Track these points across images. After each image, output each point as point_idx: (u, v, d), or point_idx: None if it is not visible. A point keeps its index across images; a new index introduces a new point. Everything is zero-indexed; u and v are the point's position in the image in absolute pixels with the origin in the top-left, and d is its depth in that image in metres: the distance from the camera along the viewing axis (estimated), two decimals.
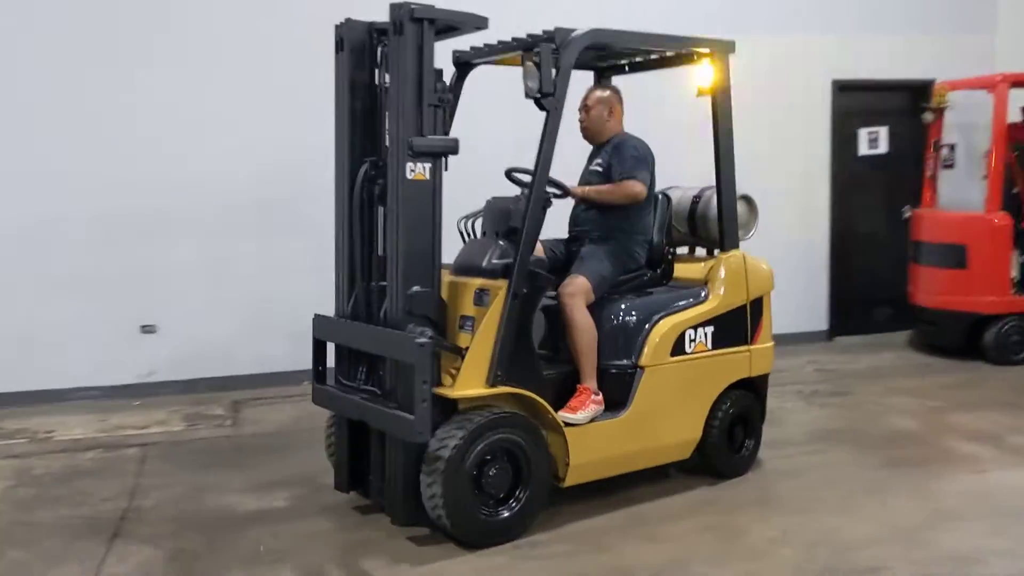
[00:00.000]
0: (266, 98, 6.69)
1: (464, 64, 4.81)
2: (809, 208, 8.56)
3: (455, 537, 3.96)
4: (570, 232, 4.85)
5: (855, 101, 8.62)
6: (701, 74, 4.89)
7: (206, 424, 6.00)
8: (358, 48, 4.24)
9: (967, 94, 7.99)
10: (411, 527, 4.08)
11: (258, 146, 6.72)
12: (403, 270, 3.98)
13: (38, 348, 6.46)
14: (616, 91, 4.90)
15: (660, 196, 4.92)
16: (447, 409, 3.98)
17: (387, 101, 4.13)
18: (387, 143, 4.15)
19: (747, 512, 4.44)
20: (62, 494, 4.71)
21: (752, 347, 4.92)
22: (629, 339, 4.51)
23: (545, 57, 3.99)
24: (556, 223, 4.76)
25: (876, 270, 8.72)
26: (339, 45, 4.29)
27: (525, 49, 4.18)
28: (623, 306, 4.59)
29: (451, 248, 4.47)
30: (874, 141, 8.69)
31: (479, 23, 4.18)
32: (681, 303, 4.70)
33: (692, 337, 4.63)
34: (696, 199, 5.05)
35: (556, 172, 4.57)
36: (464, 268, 4.36)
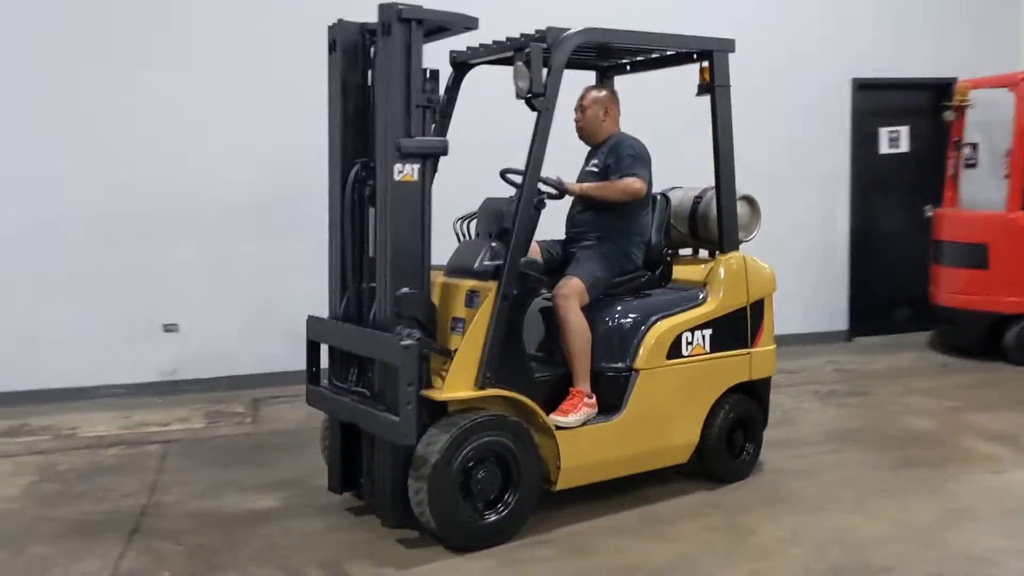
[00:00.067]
0: (267, 98, 6.74)
1: (461, 64, 4.80)
2: (829, 208, 8.54)
3: (442, 540, 3.95)
4: (567, 233, 4.82)
5: (875, 100, 8.59)
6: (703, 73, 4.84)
7: (226, 422, 6.08)
8: (350, 49, 4.23)
9: (989, 92, 7.94)
10: (402, 529, 4.07)
11: (259, 145, 6.79)
12: (391, 271, 3.97)
13: (62, 347, 6.57)
14: (612, 91, 4.88)
15: (659, 197, 4.89)
16: (437, 411, 3.96)
17: (375, 102, 4.11)
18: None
19: (758, 512, 4.44)
20: (84, 490, 4.80)
21: (753, 350, 4.85)
22: (624, 341, 4.47)
23: (535, 57, 3.95)
24: (554, 224, 4.77)
25: (897, 270, 8.67)
26: (332, 46, 4.29)
27: (516, 49, 4.14)
28: (618, 308, 4.54)
29: (450, 249, 4.51)
30: (895, 140, 8.66)
31: (469, 23, 4.16)
32: (678, 305, 4.65)
33: (689, 340, 4.58)
34: (697, 199, 5.00)
35: (564, 174, 4.62)
36: (456, 270, 4.34)
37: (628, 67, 5.23)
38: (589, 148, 4.88)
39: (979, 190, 8.25)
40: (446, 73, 4.73)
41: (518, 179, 4.27)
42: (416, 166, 3.96)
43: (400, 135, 3.93)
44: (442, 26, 4.14)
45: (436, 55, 4.57)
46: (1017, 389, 6.77)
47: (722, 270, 4.78)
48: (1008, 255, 7.46)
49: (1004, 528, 4.21)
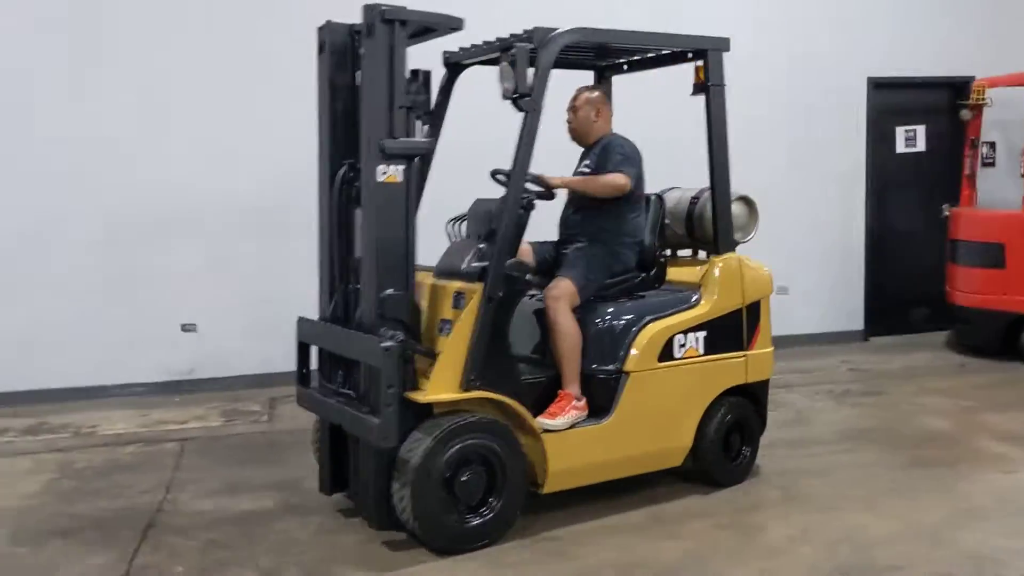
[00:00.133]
0: (283, 98, 6.74)
1: (454, 65, 4.78)
2: (845, 207, 8.52)
3: (426, 543, 3.93)
4: (559, 235, 4.79)
5: (892, 99, 8.56)
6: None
7: (243, 420, 6.15)
8: (339, 50, 4.21)
9: (1006, 91, 7.90)
10: (390, 531, 4.04)
11: (279, 146, 6.81)
12: (375, 273, 3.95)
13: (82, 347, 6.66)
14: (604, 92, 4.86)
15: (652, 197, 4.85)
16: (423, 414, 3.93)
17: (360, 103, 4.10)
18: None
19: (768, 510, 4.46)
20: (102, 487, 4.87)
21: (749, 353, 4.77)
22: (614, 344, 4.40)
23: (520, 57, 3.93)
24: (551, 225, 4.80)
25: (913, 270, 8.64)
26: (321, 47, 4.27)
27: (502, 50, 4.11)
28: (609, 310, 4.48)
29: (443, 250, 4.51)
30: (911, 139, 8.63)
31: (454, 24, 4.13)
32: (671, 307, 4.59)
33: (682, 342, 4.52)
34: (694, 200, 4.94)
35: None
36: (445, 271, 4.31)
37: (625, 67, 5.20)
38: (582, 150, 4.84)
39: (996, 189, 8.22)
40: (442, 74, 4.75)
41: (529, 185, 4.26)
42: (400, 167, 3.94)
43: (383, 136, 3.91)
44: (428, 27, 4.11)
45: (432, 55, 4.61)
46: None
47: (716, 271, 4.72)
48: None
49: (1014, 528, 4.20)
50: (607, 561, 3.89)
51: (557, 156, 4.71)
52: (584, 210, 4.65)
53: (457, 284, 4.11)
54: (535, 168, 4.22)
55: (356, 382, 4.12)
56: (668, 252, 5.07)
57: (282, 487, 4.79)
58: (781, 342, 7.98)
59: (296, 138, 5.75)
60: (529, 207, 4.22)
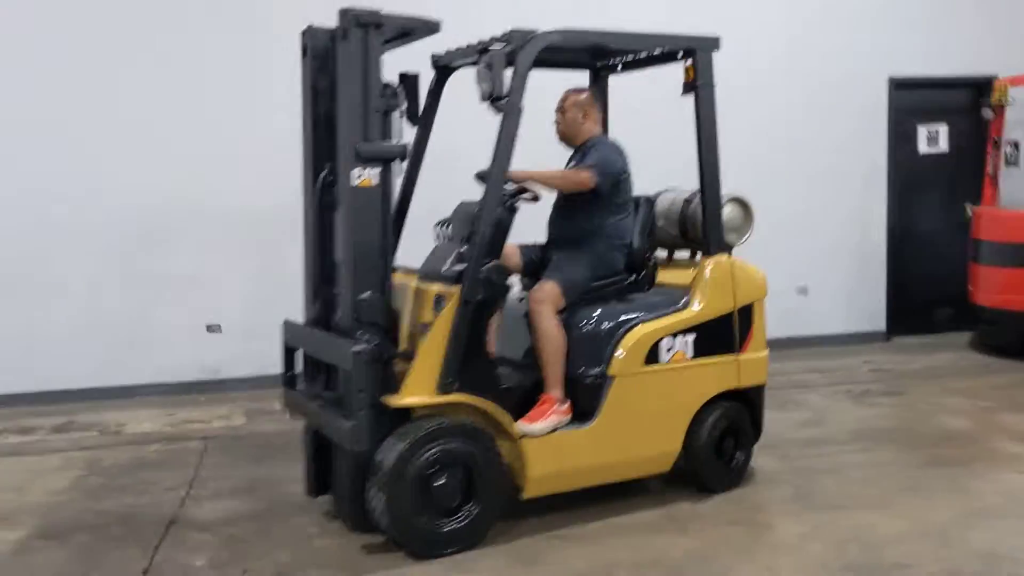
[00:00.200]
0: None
1: (443, 67, 4.76)
2: (866, 207, 8.50)
3: (401, 546, 3.93)
4: (547, 236, 4.77)
5: (913, 98, 8.53)
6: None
7: (265, 419, 6.24)
8: (320, 54, 4.19)
9: None
10: (372, 534, 4.05)
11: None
12: (351, 276, 3.95)
13: (110, 347, 6.82)
14: (592, 93, 4.81)
15: (642, 199, 4.81)
16: (402, 418, 3.92)
17: (336, 106, 4.09)
18: None
19: (779, 508, 4.49)
20: (127, 483, 4.99)
21: (741, 356, 4.69)
22: (599, 347, 4.34)
23: (496, 60, 3.91)
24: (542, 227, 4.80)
25: (936, 269, 8.60)
26: (304, 51, 4.28)
27: (480, 52, 4.08)
28: (595, 313, 4.41)
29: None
30: (933, 139, 8.60)
31: (431, 27, 4.11)
32: (658, 310, 4.50)
33: (669, 346, 4.44)
34: (688, 202, 4.88)
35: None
36: (427, 274, 4.30)
37: (619, 67, 5.15)
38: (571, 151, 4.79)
39: (1019, 189, 8.11)
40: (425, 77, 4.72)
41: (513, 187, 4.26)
42: (376, 170, 3.94)
43: (358, 139, 3.91)
44: (406, 30, 4.10)
45: (420, 59, 4.64)
46: None
47: (706, 274, 4.63)
48: None
49: None
50: (616, 559, 3.93)
51: (554, 159, 4.74)
52: (569, 212, 4.64)
53: (437, 287, 4.10)
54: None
55: (335, 385, 4.12)
56: (664, 254, 5.05)
57: (298, 484, 4.84)
58: (802, 342, 8.16)
59: None
60: (512, 209, 4.22)
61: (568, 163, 4.83)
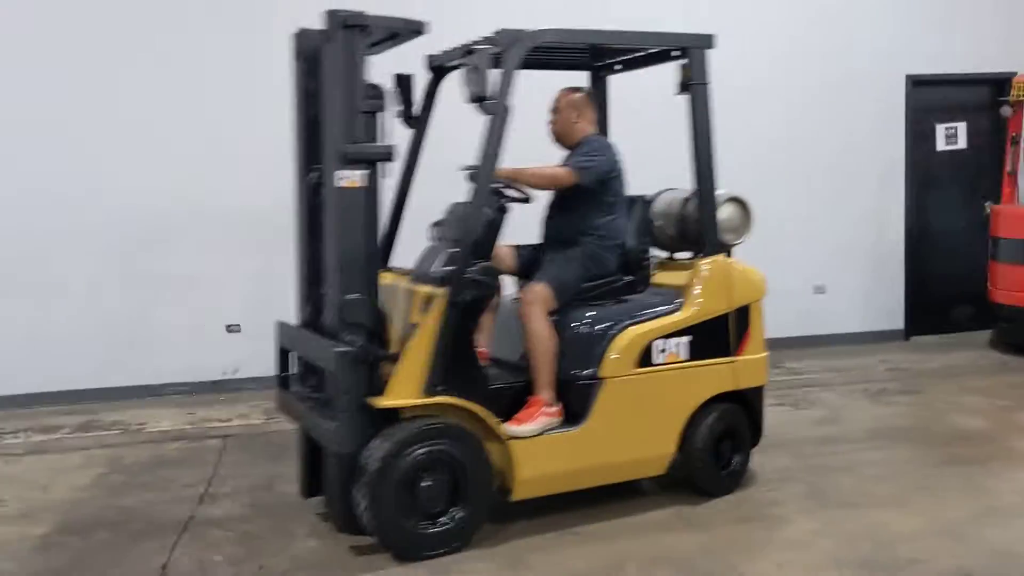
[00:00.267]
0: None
1: (438, 68, 4.72)
2: (884, 205, 8.47)
3: (387, 549, 3.92)
4: (541, 237, 4.74)
5: (932, 96, 8.49)
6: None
7: (283, 418, 6.25)
8: (311, 56, 4.19)
9: None
10: (360, 536, 4.01)
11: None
12: (337, 278, 3.95)
13: (131, 347, 6.90)
14: (587, 93, 4.77)
15: (637, 199, 4.78)
16: (390, 419, 3.89)
17: (323, 108, 4.09)
18: None
19: (792, 505, 4.49)
20: (148, 481, 5.07)
21: (738, 358, 4.61)
22: (591, 348, 4.29)
23: (482, 61, 3.89)
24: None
25: (955, 268, 8.56)
26: (295, 53, 4.29)
27: (466, 53, 4.06)
28: (586, 314, 4.36)
29: None
30: (952, 136, 8.56)
31: (417, 28, 4.10)
32: (651, 311, 4.44)
33: (662, 347, 4.39)
34: (686, 201, 4.79)
35: None
36: (417, 275, 4.29)
37: (617, 67, 5.11)
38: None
39: None
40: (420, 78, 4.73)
41: (502, 187, 4.26)
42: (361, 172, 3.93)
43: (344, 141, 3.91)
44: (391, 32, 4.09)
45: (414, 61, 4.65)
46: None
47: (701, 275, 4.56)
48: None
49: None
50: (627, 556, 3.95)
51: (554, 160, 4.72)
52: (562, 212, 4.61)
53: (426, 288, 4.09)
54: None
55: (325, 387, 4.11)
56: (664, 255, 4.99)
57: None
58: (819, 341, 8.15)
59: None
60: (503, 210, 4.21)
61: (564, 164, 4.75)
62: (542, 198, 4.63)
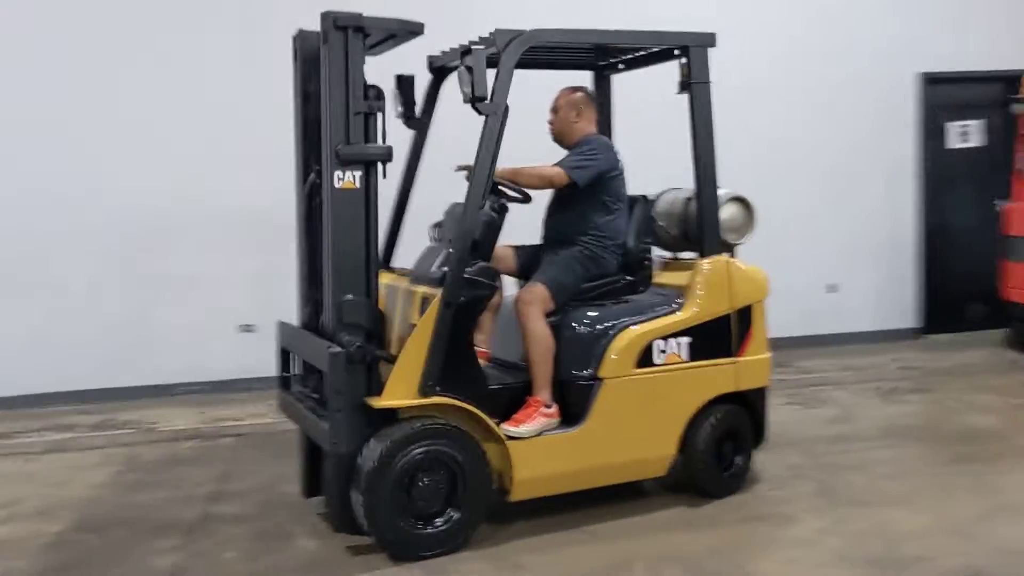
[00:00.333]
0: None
1: (439, 68, 4.72)
2: (896, 203, 8.46)
3: (383, 549, 3.93)
4: (542, 237, 4.73)
5: (944, 94, 8.47)
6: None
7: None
8: (310, 58, 4.19)
9: None
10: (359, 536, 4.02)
11: None
12: (334, 278, 3.96)
13: (147, 347, 6.96)
14: (587, 92, 4.74)
15: (638, 199, 4.75)
16: (388, 419, 3.91)
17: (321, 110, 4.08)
18: None
19: (801, 503, 4.50)
20: (162, 479, 5.13)
21: (739, 359, 4.57)
22: (590, 349, 4.27)
23: (477, 61, 3.87)
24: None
25: (969, 266, 8.51)
26: (295, 55, 4.31)
27: (462, 54, 4.03)
28: (585, 314, 4.35)
29: None
30: (965, 134, 8.53)
31: (413, 29, 4.09)
32: (651, 312, 4.42)
33: (662, 348, 4.36)
34: (688, 201, 4.75)
35: None
36: (416, 276, 4.30)
37: (621, 66, 5.09)
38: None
39: None
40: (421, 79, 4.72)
41: (501, 187, 4.28)
42: (358, 173, 3.94)
43: (340, 142, 3.92)
44: (388, 33, 4.09)
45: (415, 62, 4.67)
46: None
47: (701, 275, 4.52)
48: None
49: None
50: (636, 553, 3.98)
51: (553, 159, 4.67)
52: (561, 212, 4.60)
53: (424, 289, 4.10)
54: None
55: (322, 387, 4.10)
56: (670, 255, 4.97)
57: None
58: (831, 340, 8.15)
59: None
60: (502, 210, 4.21)
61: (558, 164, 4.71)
62: (543, 198, 4.63)
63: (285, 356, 4.60)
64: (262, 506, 4.65)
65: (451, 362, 3.95)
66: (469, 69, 3.86)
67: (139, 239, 6.93)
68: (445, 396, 3.95)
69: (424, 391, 3.91)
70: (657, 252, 4.93)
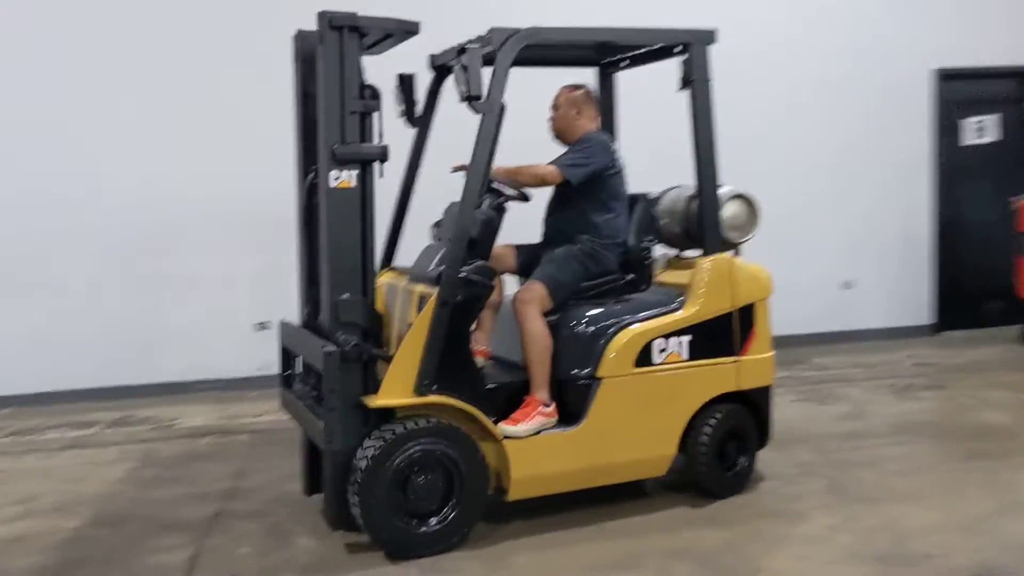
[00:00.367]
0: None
1: (441, 67, 4.68)
2: (911, 199, 8.44)
3: (379, 547, 3.94)
4: (543, 235, 4.71)
5: (959, 90, 8.44)
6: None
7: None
8: (309, 58, 4.19)
9: None
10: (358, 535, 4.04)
11: None
12: (330, 277, 3.96)
13: (165, 345, 7.06)
14: (587, 90, 4.70)
15: (639, 197, 4.73)
16: (385, 418, 3.92)
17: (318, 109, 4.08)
18: None
19: (811, 500, 4.51)
20: (179, 475, 5.20)
21: (742, 358, 4.53)
22: (588, 348, 4.26)
23: (472, 60, 3.85)
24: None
25: (985, 262, 8.47)
26: (295, 55, 4.32)
27: (458, 52, 4.02)
28: (584, 313, 4.34)
29: None
30: (980, 130, 8.49)
31: (410, 29, 4.08)
32: (651, 310, 4.40)
33: (662, 347, 4.34)
34: (691, 199, 4.69)
35: None
36: (415, 275, 4.31)
37: (624, 63, 5.06)
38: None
39: None
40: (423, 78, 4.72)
41: (499, 186, 4.28)
42: (354, 172, 3.94)
43: (335, 141, 3.93)
44: (385, 32, 4.07)
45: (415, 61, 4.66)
46: None
47: (702, 274, 4.49)
48: None
49: None
50: (646, 549, 4.00)
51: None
52: (561, 211, 4.59)
53: (421, 288, 4.11)
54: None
55: (320, 386, 4.11)
56: (673, 253, 4.94)
57: None
58: (847, 337, 8.14)
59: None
60: (500, 209, 4.20)
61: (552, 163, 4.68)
62: (543, 197, 4.62)
63: (287, 355, 4.63)
64: (276, 502, 4.69)
65: (447, 361, 3.95)
66: (464, 68, 3.85)
67: (141, 239, 6.98)
68: (441, 395, 3.95)
69: (420, 390, 3.92)
70: (663, 250, 4.93)
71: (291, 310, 7.00)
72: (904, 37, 8.21)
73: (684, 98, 4.56)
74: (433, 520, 3.96)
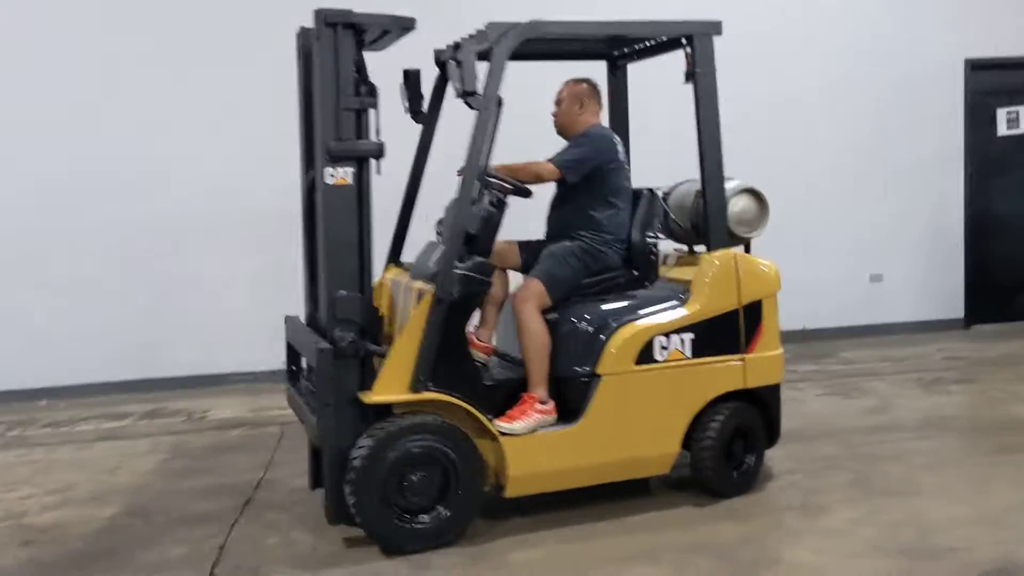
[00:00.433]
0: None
1: (444, 63, 4.58)
2: (942, 191, 8.37)
3: (376, 542, 3.95)
4: (545, 232, 4.68)
5: (992, 80, 8.34)
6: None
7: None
8: (310, 55, 4.16)
9: None
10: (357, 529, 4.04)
11: None
12: (327, 274, 3.96)
13: (197, 338, 7.16)
14: (591, 84, 4.65)
15: (644, 192, 4.65)
16: (382, 414, 3.93)
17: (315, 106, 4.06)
18: None
19: (835, 494, 4.49)
20: (209, 466, 5.29)
21: (748, 356, 4.44)
22: (588, 345, 4.21)
23: (466, 55, 3.84)
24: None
25: (1017, 255, 8.42)
26: (298, 52, 4.33)
27: (454, 48, 3.96)
28: (584, 310, 4.30)
29: None
30: (1013, 121, 8.39)
31: (406, 25, 4.04)
32: (653, 307, 4.33)
33: (664, 344, 4.27)
34: (699, 194, 4.59)
35: None
36: (415, 271, 4.31)
37: (634, 56, 4.99)
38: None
39: None
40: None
41: (497, 181, 4.24)
42: (350, 169, 3.93)
43: (331, 138, 3.92)
44: (382, 29, 4.05)
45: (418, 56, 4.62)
46: None
47: (707, 270, 4.42)
48: None
49: None
50: (665, 543, 4.01)
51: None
52: (563, 206, 4.56)
53: (420, 284, 4.10)
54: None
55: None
56: (686, 248, 4.90)
57: None
58: (875, 330, 8.09)
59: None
60: (500, 205, 4.17)
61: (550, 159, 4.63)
62: (547, 192, 4.59)
63: (292, 351, 4.66)
64: (303, 493, 4.72)
65: (444, 358, 3.95)
66: (458, 63, 3.83)
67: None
68: (437, 392, 3.95)
69: (416, 387, 3.92)
70: (674, 246, 4.90)
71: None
72: (935, 27, 8.13)
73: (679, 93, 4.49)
74: (428, 516, 3.96)
